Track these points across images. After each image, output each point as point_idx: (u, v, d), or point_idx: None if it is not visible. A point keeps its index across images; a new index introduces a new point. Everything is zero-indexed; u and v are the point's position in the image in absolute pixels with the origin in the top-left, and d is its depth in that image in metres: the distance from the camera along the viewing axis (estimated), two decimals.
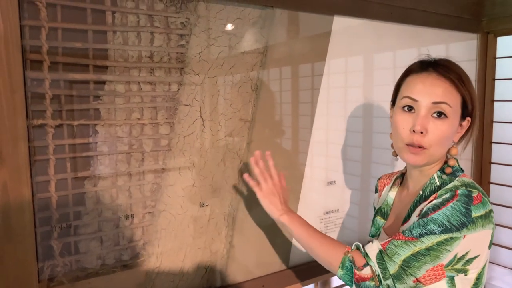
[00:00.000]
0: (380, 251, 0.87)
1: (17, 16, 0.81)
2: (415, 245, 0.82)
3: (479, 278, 0.87)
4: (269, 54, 1.18)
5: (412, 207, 0.95)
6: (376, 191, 1.17)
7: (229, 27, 1.10)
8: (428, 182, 0.93)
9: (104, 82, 0.94)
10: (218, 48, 1.09)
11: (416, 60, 0.96)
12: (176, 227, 1.07)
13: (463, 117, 0.92)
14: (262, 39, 1.16)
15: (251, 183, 1.06)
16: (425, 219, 0.84)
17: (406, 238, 0.84)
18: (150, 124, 1.01)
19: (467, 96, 0.90)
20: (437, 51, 1.61)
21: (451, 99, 0.88)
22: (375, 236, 1.06)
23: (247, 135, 1.17)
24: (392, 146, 1.01)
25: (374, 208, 1.16)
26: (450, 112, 0.88)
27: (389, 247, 0.86)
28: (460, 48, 1.72)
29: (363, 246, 0.91)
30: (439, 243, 0.81)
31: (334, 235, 1.40)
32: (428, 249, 0.81)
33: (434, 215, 0.83)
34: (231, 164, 1.15)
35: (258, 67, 1.16)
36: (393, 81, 1.50)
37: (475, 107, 0.92)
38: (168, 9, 1.01)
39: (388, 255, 0.85)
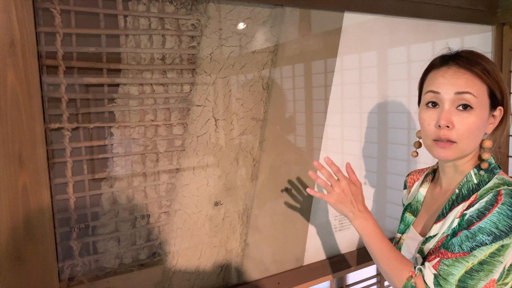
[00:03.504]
0: (435, 276, 0.82)
1: (32, 23, 0.84)
2: (467, 261, 0.79)
3: None
4: (280, 53, 1.19)
5: (447, 205, 0.91)
6: (405, 187, 1.15)
7: (240, 27, 1.11)
8: (465, 180, 0.90)
9: (118, 85, 0.96)
10: (229, 48, 1.10)
11: (437, 55, 0.95)
12: (191, 226, 1.08)
13: (493, 107, 0.89)
14: (272, 38, 1.17)
15: (318, 195, 1.02)
16: (472, 229, 0.80)
17: (457, 255, 0.80)
18: (163, 125, 1.03)
19: (493, 85, 0.87)
20: (452, 44, 1.60)
21: (475, 89, 0.85)
22: (404, 233, 1.03)
23: (260, 133, 1.17)
24: (414, 144, 1.02)
25: (403, 204, 1.13)
26: (476, 103, 0.85)
27: (441, 268, 0.82)
28: (475, 41, 1.69)
29: (423, 269, 0.86)
30: (492, 255, 0.77)
31: (349, 232, 1.40)
32: (481, 263, 0.78)
33: (481, 224, 0.79)
34: (244, 163, 1.16)
35: (269, 66, 1.17)
36: (408, 75, 1.50)
37: (505, 95, 0.89)
38: (178, 11, 1.02)
39: (442, 278, 0.81)
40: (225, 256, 1.15)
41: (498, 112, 0.89)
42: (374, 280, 1.58)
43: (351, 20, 1.32)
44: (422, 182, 1.06)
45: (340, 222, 1.38)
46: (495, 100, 0.88)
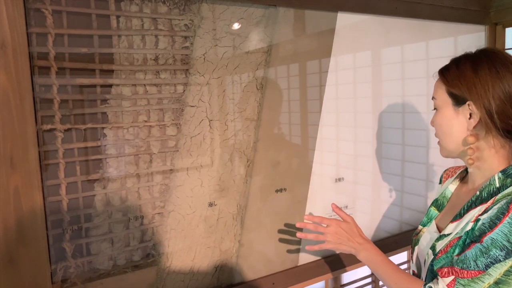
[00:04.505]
0: None
1: (23, 24, 0.83)
2: (483, 281, 0.77)
3: None
4: (274, 53, 1.18)
5: (465, 206, 0.90)
6: (440, 182, 1.15)
7: (233, 27, 1.11)
8: (488, 182, 0.88)
9: (110, 86, 0.96)
10: (222, 49, 1.10)
11: None
12: (185, 227, 1.08)
13: (459, 104, 0.89)
14: (266, 38, 1.17)
15: (316, 248, 1.10)
16: (484, 241, 0.79)
17: (473, 274, 0.79)
18: (157, 126, 1.02)
19: (450, 84, 0.90)
20: (445, 44, 1.61)
21: (437, 92, 0.95)
22: (425, 225, 1.04)
23: (254, 134, 1.17)
24: None
25: None
26: (438, 104, 0.94)
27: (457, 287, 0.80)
28: (468, 41, 1.70)
29: (433, 287, 0.85)
30: (507, 273, 0.76)
31: None
32: (497, 282, 0.77)
33: (492, 235, 0.78)
34: (238, 163, 1.15)
35: (262, 66, 1.17)
36: (402, 75, 1.50)
37: (465, 88, 0.87)
38: (171, 11, 1.02)
39: None
40: (219, 257, 1.15)
41: (473, 107, 0.86)
42: (369, 280, 1.59)
43: (345, 20, 1.32)
44: (454, 179, 1.06)
45: None
46: (458, 97, 0.89)
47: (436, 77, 0.96)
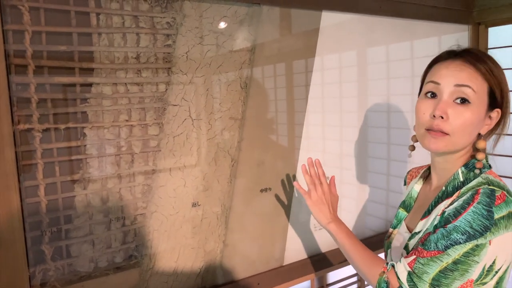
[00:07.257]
0: (409, 273, 0.83)
1: None
2: (441, 260, 0.79)
3: (499, 282, 0.83)
4: (258, 52, 1.18)
5: (433, 202, 0.91)
6: (405, 183, 1.16)
7: (216, 25, 1.10)
8: (452, 177, 0.89)
9: (90, 85, 0.94)
10: (205, 47, 1.08)
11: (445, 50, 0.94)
12: (168, 228, 1.06)
13: (491, 108, 0.87)
14: (249, 36, 1.16)
15: (301, 191, 1.11)
16: (448, 228, 0.80)
17: (432, 254, 0.80)
18: (138, 125, 1.01)
19: (495, 85, 0.85)
20: (429, 44, 1.62)
21: (476, 84, 0.84)
22: (396, 228, 1.04)
23: (238, 133, 1.16)
24: (412, 138, 1.00)
25: None
26: (474, 98, 0.84)
27: (416, 266, 0.82)
28: (452, 40, 1.71)
29: (396, 265, 0.87)
30: (466, 254, 0.77)
31: None
32: (455, 262, 0.78)
33: (456, 222, 0.79)
34: (222, 163, 1.14)
35: (246, 65, 1.16)
36: (387, 75, 1.51)
37: (505, 98, 0.87)
38: (153, 9, 1.00)
39: (417, 275, 0.81)
40: (203, 258, 1.13)
41: (495, 114, 0.87)
42: (354, 279, 1.59)
43: (329, 20, 1.32)
44: (418, 179, 1.07)
45: None
46: (494, 101, 0.87)
47: (464, 61, 0.86)
